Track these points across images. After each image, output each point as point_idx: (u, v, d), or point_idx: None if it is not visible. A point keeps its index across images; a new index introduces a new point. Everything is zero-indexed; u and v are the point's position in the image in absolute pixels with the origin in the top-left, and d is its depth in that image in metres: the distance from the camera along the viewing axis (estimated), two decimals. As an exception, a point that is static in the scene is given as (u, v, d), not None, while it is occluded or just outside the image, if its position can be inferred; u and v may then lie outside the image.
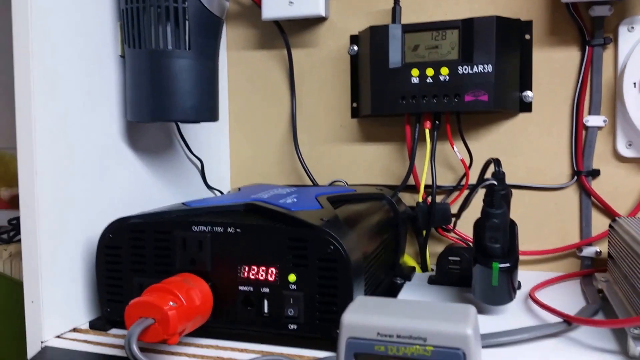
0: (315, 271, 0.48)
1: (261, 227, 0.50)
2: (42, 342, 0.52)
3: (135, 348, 0.42)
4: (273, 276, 0.49)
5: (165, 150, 0.71)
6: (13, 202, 1.02)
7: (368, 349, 0.33)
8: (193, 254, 0.51)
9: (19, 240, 0.86)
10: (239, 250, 0.50)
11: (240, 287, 0.50)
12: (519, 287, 0.66)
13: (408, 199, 0.79)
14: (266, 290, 0.50)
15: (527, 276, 0.71)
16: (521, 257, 0.74)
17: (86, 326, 0.56)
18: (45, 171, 0.52)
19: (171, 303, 0.45)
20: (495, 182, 0.54)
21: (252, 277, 0.50)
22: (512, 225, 0.58)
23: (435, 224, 0.73)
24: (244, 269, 0.50)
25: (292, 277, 0.49)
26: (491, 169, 0.57)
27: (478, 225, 0.57)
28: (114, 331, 0.55)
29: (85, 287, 0.57)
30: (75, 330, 0.55)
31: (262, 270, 0.50)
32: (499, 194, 0.54)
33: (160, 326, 0.44)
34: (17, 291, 0.77)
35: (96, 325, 0.55)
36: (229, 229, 0.50)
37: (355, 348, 0.33)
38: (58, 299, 0.54)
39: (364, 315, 0.34)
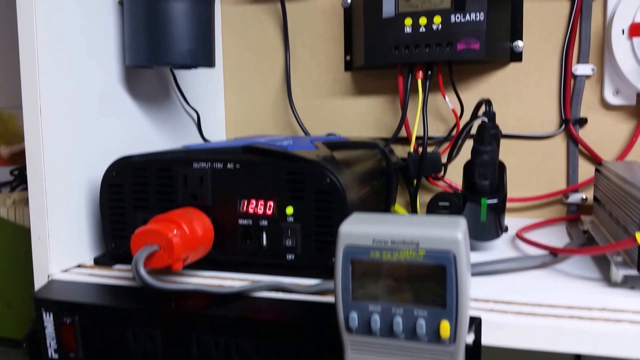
0: (311, 204, 0.50)
1: (259, 162, 0.52)
2: (48, 275, 0.54)
3: (142, 270, 0.45)
4: (271, 210, 0.51)
5: (162, 100, 0.73)
6: (13, 159, 1.03)
7: (364, 256, 0.35)
8: (194, 189, 0.53)
9: (23, 189, 0.88)
10: (238, 186, 0.52)
11: (240, 221, 0.52)
12: (506, 230, 0.69)
13: (400, 152, 0.81)
14: (264, 223, 0.52)
15: (514, 222, 0.73)
16: (509, 205, 0.77)
17: (91, 263, 0.58)
18: (49, 116, 0.54)
19: (175, 231, 0.47)
20: (485, 119, 0.56)
21: (251, 211, 0.52)
22: (501, 165, 0.60)
23: (426, 172, 0.75)
24: (243, 203, 0.52)
25: (289, 210, 0.51)
26: (482, 110, 0.59)
27: (468, 166, 0.59)
28: (118, 267, 0.57)
29: (90, 225, 0.59)
30: (80, 266, 0.57)
31: (261, 204, 0.52)
32: (489, 131, 0.56)
33: (165, 252, 0.47)
34: (22, 236, 0.79)
35: (101, 261, 0.57)
36: (228, 165, 0.52)
37: (351, 255, 0.35)
38: (63, 237, 0.56)
39: (360, 225, 0.36)
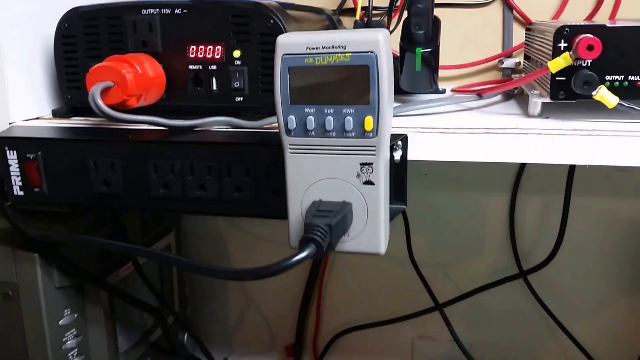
0: (257, 46, 0.54)
1: (206, 6, 0.54)
2: (10, 123, 0.57)
3: (100, 101, 0.48)
4: (219, 54, 0.55)
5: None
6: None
7: (299, 62, 0.39)
8: (144, 36, 0.55)
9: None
10: (187, 31, 0.55)
11: (190, 66, 0.56)
12: (443, 92, 0.74)
13: (347, 23, 0.84)
14: (213, 67, 0.55)
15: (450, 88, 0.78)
16: (445, 73, 0.81)
17: (50, 116, 0.61)
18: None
19: (128, 69, 0.51)
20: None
21: (200, 56, 0.55)
22: (436, 18, 0.64)
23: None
24: (193, 48, 0.55)
25: (236, 53, 0.54)
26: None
27: (404, 21, 0.63)
28: (75, 118, 0.60)
29: (47, 79, 0.61)
30: (38, 118, 0.60)
31: (209, 49, 0.55)
32: (422, -19, 0.59)
33: (119, 88, 0.50)
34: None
35: (58, 113, 0.60)
36: (176, 10, 0.55)
37: (288, 62, 0.40)
38: (21, 91, 0.58)
39: (295, 36, 0.40)
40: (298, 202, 0.43)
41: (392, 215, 0.46)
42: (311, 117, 0.40)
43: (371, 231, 0.42)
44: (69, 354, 0.63)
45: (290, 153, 0.42)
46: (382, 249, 0.43)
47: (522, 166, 0.78)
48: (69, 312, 0.63)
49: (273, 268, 0.37)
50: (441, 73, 0.77)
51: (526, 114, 0.56)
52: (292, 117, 0.41)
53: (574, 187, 0.75)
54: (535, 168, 0.78)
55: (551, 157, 0.47)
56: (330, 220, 0.39)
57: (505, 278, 0.81)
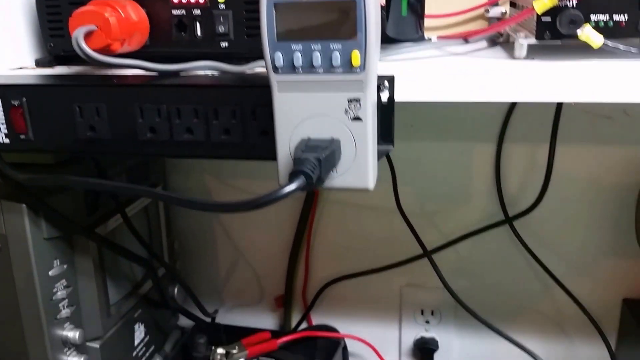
0: (241, -12, 0.53)
1: (189, -51, 0.53)
2: (-9, 71, 0.56)
3: (84, 44, 0.47)
4: (203, -2, 0.54)
5: None
6: None
7: (285, -3, 0.39)
8: (127, -20, 0.54)
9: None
10: (169, -26, 0.54)
11: (174, 11, 0.55)
12: (429, 40, 0.74)
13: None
14: (197, 12, 0.54)
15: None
16: (431, 22, 0.81)
17: (33, 66, 0.60)
18: None
19: (111, 12, 0.50)
20: None
21: (184, 0, 0.54)
22: (422, -37, 0.63)
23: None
24: (176, -8, 0.54)
25: (220, -3, 0.54)
26: None
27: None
28: (58, 68, 0.59)
29: (28, 29, 0.60)
30: (22, 68, 0.59)
31: (193, -7, 0.54)
32: None
33: (102, 32, 0.49)
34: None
35: (42, 63, 0.59)
36: (158, -47, 0.54)
37: (274, -2, 0.39)
38: (2, 41, 0.57)
39: (280, -30, 0.40)
40: (287, 141, 0.43)
41: (380, 155, 0.47)
42: (298, 54, 0.40)
43: (359, 167, 0.43)
44: (60, 304, 0.64)
45: (278, 91, 0.42)
46: (371, 184, 0.43)
47: (508, 115, 0.79)
48: (58, 263, 0.63)
49: (264, 199, 0.37)
50: (427, 22, 0.77)
51: (512, 57, 0.57)
52: (279, 54, 0.40)
53: (559, 135, 0.76)
54: (520, 117, 0.78)
55: (538, 95, 0.47)
56: (319, 154, 0.40)
57: (492, 225, 0.83)
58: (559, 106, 0.74)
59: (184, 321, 0.91)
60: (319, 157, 0.39)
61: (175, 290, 0.86)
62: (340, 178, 0.43)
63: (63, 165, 0.64)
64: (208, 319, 0.91)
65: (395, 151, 0.77)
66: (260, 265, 0.94)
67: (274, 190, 0.37)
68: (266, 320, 0.96)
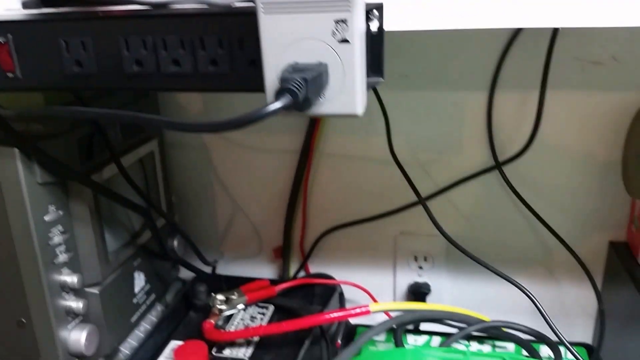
0: None
1: None
2: (-24, 12, 0.55)
3: (64, -26, 0.46)
4: None
5: None
6: None
7: None
8: None
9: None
10: None
11: (160, -54, 0.54)
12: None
13: None
14: (184, -54, 0.53)
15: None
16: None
17: (19, 7, 0.59)
18: None
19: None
20: None
21: None
22: None
23: None
24: None
25: None
26: None
27: None
28: (46, 9, 0.58)
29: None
30: (8, 10, 0.59)
31: None
32: None
33: (85, -37, 0.48)
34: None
35: (28, 4, 0.59)
36: None
37: None
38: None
39: None
40: (274, 67, 0.43)
41: (369, 86, 0.46)
42: (283, -28, 0.39)
43: (347, 92, 0.42)
44: (57, 250, 0.64)
45: (264, 13, 0.41)
46: (359, 109, 0.43)
47: (499, 64, 0.78)
48: (53, 209, 0.63)
49: (249, 116, 0.37)
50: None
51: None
52: (263, -27, 0.40)
53: (549, 82, 0.75)
54: (511, 65, 0.78)
55: (535, 20, 0.46)
56: (306, 74, 0.39)
57: (482, 171, 0.82)
58: (549, 53, 0.74)
59: (185, 274, 0.92)
60: (305, 77, 0.39)
61: (175, 242, 0.86)
62: (328, 104, 0.43)
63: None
64: (208, 271, 0.91)
65: (389, 101, 0.77)
66: (259, 218, 0.95)
67: (260, 108, 0.37)
68: (265, 271, 0.97)
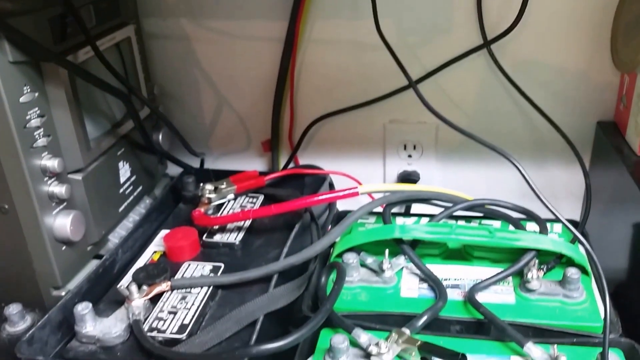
0: None
1: None
2: None
3: None
4: None
5: None
6: None
7: None
8: None
9: None
10: None
11: None
12: None
13: None
14: None
15: None
16: None
17: None
18: None
19: None
20: None
21: None
22: None
23: None
24: None
25: None
26: None
27: None
28: None
29: None
30: None
31: None
32: None
33: None
34: None
35: None
36: None
37: None
38: None
39: None
40: None
41: None
42: None
43: None
44: (35, 133, 0.62)
45: None
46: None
47: None
48: (28, 90, 0.61)
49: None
50: None
51: None
52: None
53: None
54: None
55: None
56: None
57: (470, 50, 0.80)
58: None
59: (173, 170, 0.91)
60: None
61: (160, 136, 0.85)
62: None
63: None
64: (196, 165, 0.90)
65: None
66: (245, 110, 0.93)
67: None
68: (254, 165, 0.96)
